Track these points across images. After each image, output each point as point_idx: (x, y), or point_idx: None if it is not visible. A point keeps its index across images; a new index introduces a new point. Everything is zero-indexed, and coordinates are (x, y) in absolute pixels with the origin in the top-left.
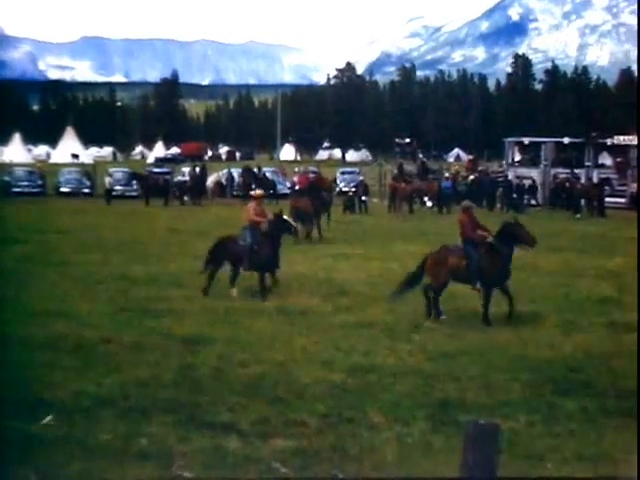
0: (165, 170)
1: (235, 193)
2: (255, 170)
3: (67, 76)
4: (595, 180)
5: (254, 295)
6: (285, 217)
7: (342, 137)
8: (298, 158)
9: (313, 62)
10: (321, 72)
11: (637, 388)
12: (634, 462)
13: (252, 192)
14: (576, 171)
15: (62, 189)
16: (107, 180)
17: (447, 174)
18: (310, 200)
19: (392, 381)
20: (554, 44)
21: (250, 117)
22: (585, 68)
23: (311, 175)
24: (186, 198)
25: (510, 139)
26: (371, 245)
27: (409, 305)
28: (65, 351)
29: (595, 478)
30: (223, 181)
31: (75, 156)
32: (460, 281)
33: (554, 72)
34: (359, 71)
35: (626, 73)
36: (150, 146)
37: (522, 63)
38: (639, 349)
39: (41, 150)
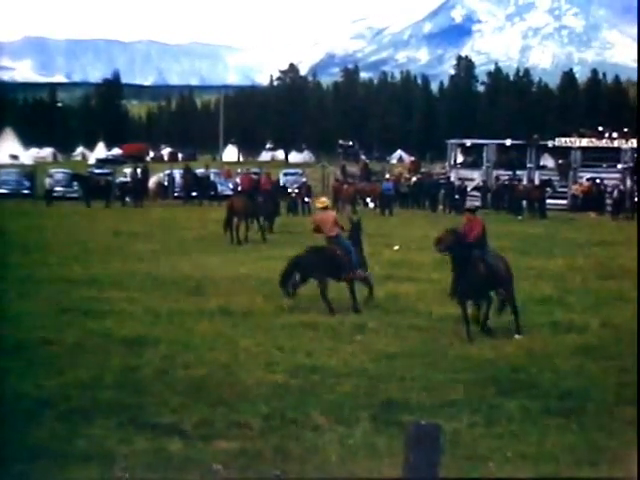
0: (106, 171)
1: (176, 194)
2: (200, 171)
3: (6, 76)
4: (537, 182)
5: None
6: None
7: (285, 138)
8: (241, 159)
9: (256, 63)
10: (264, 73)
11: (637, 389)
12: (576, 461)
13: (318, 202)
14: (518, 173)
15: (0, 190)
16: (47, 181)
17: (388, 175)
18: (246, 201)
19: (335, 382)
20: (497, 46)
21: (193, 118)
22: (527, 70)
23: (253, 176)
24: (128, 199)
25: (452, 141)
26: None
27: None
28: (5, 352)
29: (595, 478)
30: (165, 182)
31: (14, 157)
32: None
33: (497, 74)
34: (302, 72)
35: (568, 75)
36: (91, 147)
37: (465, 65)
38: (639, 349)
39: None
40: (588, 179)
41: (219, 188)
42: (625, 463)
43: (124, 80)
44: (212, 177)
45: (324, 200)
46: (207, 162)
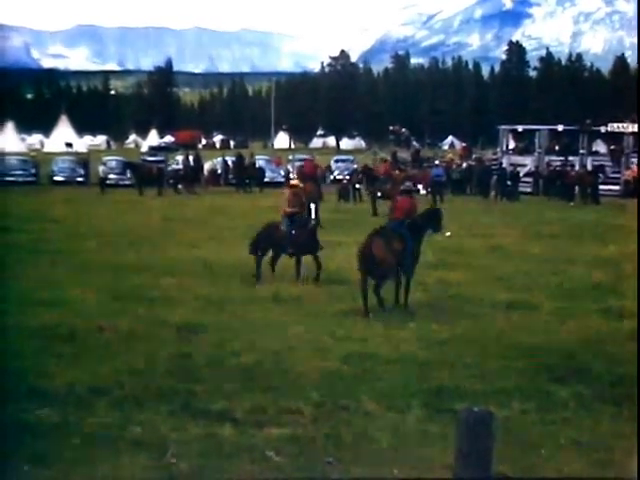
0: (159, 159)
1: (228, 182)
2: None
3: (61, 65)
4: (589, 167)
5: None
6: None
7: (336, 125)
8: (292, 146)
9: (307, 50)
10: (315, 60)
11: (637, 383)
12: (629, 448)
13: (292, 182)
14: (570, 159)
15: (56, 178)
16: (101, 169)
17: (437, 161)
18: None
19: (387, 369)
20: (548, 31)
21: (244, 105)
22: (579, 55)
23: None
24: (180, 187)
25: (504, 126)
26: (365, 233)
27: None
28: (58, 339)
29: (596, 479)
30: (218, 169)
31: (69, 145)
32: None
33: (548, 59)
34: (353, 59)
35: (620, 60)
36: (144, 135)
37: (516, 50)
38: (639, 342)
39: (35, 139)
40: None
41: (270, 175)
42: None
43: (175, 68)
44: (262, 164)
45: (297, 181)
46: (252, 150)
